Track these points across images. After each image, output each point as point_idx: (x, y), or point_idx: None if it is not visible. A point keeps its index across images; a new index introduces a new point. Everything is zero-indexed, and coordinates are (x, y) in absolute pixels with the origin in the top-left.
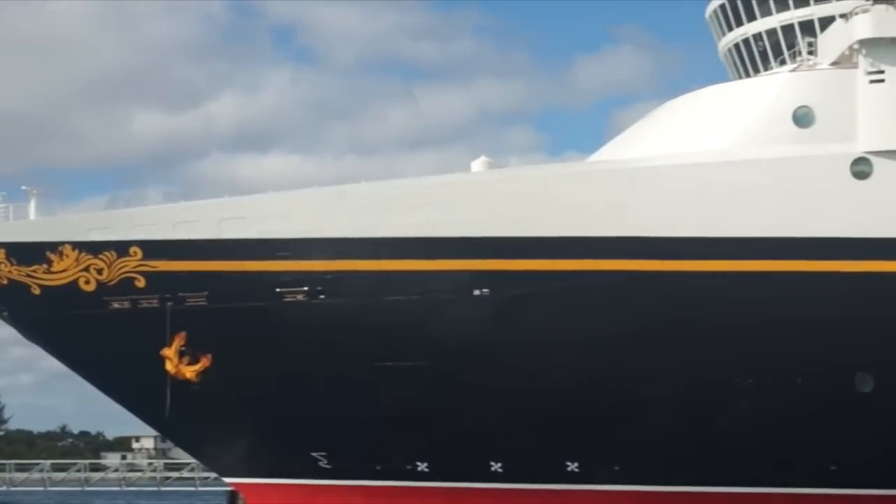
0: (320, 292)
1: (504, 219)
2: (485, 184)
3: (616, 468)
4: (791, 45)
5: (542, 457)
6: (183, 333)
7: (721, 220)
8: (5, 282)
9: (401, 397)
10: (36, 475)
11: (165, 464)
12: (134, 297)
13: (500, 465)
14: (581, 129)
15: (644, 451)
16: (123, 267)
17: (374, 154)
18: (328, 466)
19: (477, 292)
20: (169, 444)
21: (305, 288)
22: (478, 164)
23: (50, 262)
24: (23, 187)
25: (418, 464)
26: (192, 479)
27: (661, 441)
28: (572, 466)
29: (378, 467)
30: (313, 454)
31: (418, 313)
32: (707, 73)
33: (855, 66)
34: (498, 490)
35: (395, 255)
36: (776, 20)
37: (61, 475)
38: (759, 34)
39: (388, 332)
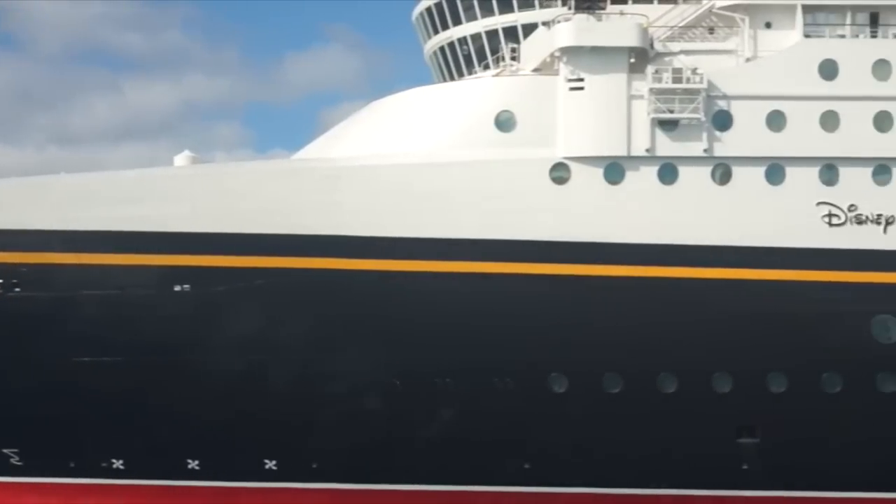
0: (15, 285)
1: (208, 214)
2: (188, 179)
3: (314, 466)
4: (495, 51)
5: (239, 454)
6: None
7: (425, 221)
8: None
9: (98, 394)
10: None
11: None
12: None
13: (197, 462)
14: (288, 126)
15: (342, 450)
16: None
17: (78, 145)
18: (20, 463)
19: (178, 288)
20: None
21: (0, 280)
22: (181, 159)
23: None
24: None
25: (114, 461)
26: None
27: (360, 440)
28: (270, 464)
29: (72, 464)
30: (4, 451)
31: (118, 308)
32: (414, 75)
33: (556, 73)
34: (195, 488)
35: (95, 249)
36: (481, 25)
37: None
38: (465, 38)
39: (87, 328)
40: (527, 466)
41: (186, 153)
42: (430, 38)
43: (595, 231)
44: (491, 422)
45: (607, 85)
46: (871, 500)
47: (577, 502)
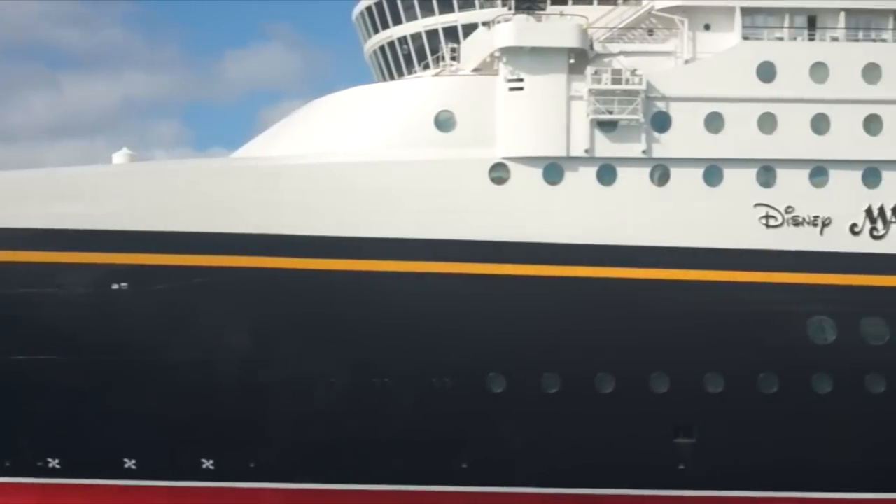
0: None
1: (146, 212)
2: (127, 176)
3: (252, 465)
4: (435, 50)
5: (177, 454)
6: None
7: (365, 221)
8: None
9: (35, 392)
10: None
11: None
12: None
13: (134, 461)
14: (228, 124)
15: (282, 450)
16: None
17: (15, 142)
18: None
19: (115, 286)
20: None
21: None
22: (119, 157)
23: None
24: None
25: (49, 460)
26: None
27: (299, 440)
28: (208, 464)
29: (7, 464)
30: None
31: (55, 306)
32: (354, 75)
33: (496, 73)
34: (131, 487)
35: (32, 247)
36: (421, 24)
37: None
38: (405, 38)
39: (24, 326)
40: (464, 466)
41: (125, 151)
42: (370, 37)
43: (534, 231)
44: (429, 421)
45: (547, 85)
46: (807, 500)
47: (515, 502)
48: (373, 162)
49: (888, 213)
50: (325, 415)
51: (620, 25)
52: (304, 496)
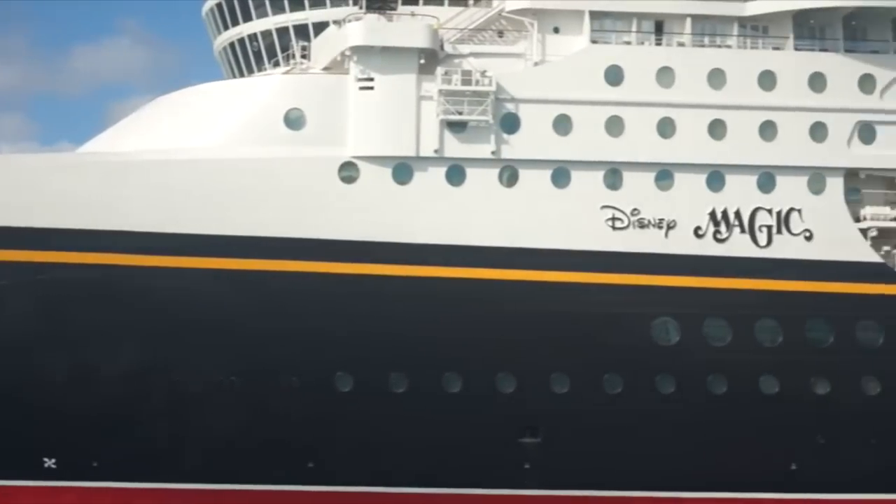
0: None
1: None
2: None
3: (95, 465)
4: (286, 48)
5: (16, 453)
6: None
7: (213, 218)
8: None
9: None
10: None
11: None
12: None
13: None
14: (75, 118)
15: (124, 449)
16: None
17: None
18: None
19: None
20: None
21: None
22: None
23: None
24: None
25: None
26: None
27: (141, 439)
28: (49, 463)
29: None
30: None
31: None
32: (205, 71)
33: (346, 72)
34: None
35: None
36: (272, 22)
37: None
38: (255, 35)
39: None
40: (311, 465)
41: None
42: (219, 33)
43: (383, 231)
44: (276, 421)
45: (397, 85)
46: (652, 499)
47: (362, 502)
48: (221, 159)
49: (731, 217)
50: (166, 414)
51: (471, 27)
52: (144, 496)
